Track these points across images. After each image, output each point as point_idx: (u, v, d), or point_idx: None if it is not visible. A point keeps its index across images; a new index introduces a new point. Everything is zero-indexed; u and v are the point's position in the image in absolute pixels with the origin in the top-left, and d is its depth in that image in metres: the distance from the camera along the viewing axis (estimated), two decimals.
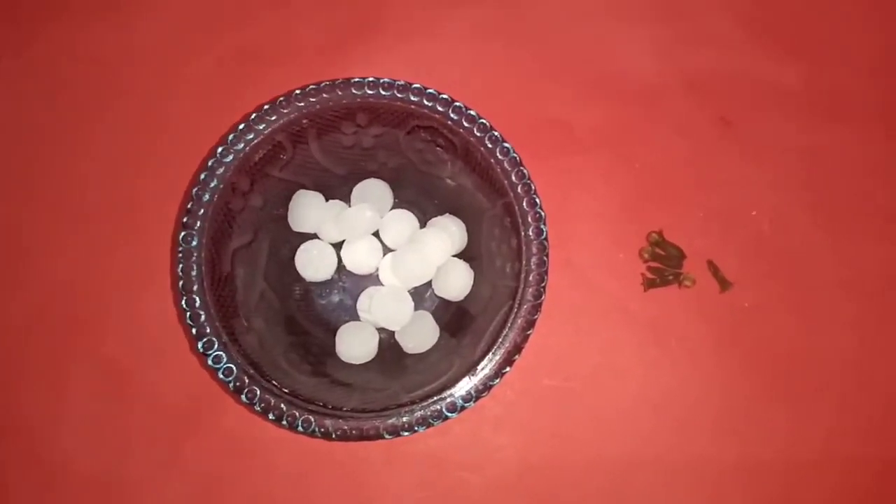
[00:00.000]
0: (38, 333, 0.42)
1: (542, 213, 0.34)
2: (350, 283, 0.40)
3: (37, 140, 0.44)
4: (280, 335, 0.37)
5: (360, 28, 0.46)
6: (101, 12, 0.46)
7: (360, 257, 0.39)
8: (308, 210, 0.38)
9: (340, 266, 0.39)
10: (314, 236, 0.39)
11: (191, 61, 0.45)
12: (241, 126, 0.34)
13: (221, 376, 0.32)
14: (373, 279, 0.40)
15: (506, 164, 0.34)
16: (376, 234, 0.39)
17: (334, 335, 0.38)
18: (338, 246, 0.39)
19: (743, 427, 0.41)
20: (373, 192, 0.39)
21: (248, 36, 0.46)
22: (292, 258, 0.39)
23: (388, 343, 0.39)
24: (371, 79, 0.35)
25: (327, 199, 0.39)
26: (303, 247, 0.39)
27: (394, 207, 0.40)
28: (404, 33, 0.46)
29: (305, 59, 0.45)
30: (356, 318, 0.39)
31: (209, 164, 0.34)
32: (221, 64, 0.45)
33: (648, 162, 0.44)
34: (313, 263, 0.38)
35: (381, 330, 0.39)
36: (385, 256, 0.39)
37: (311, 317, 0.39)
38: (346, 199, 0.39)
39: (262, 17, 0.46)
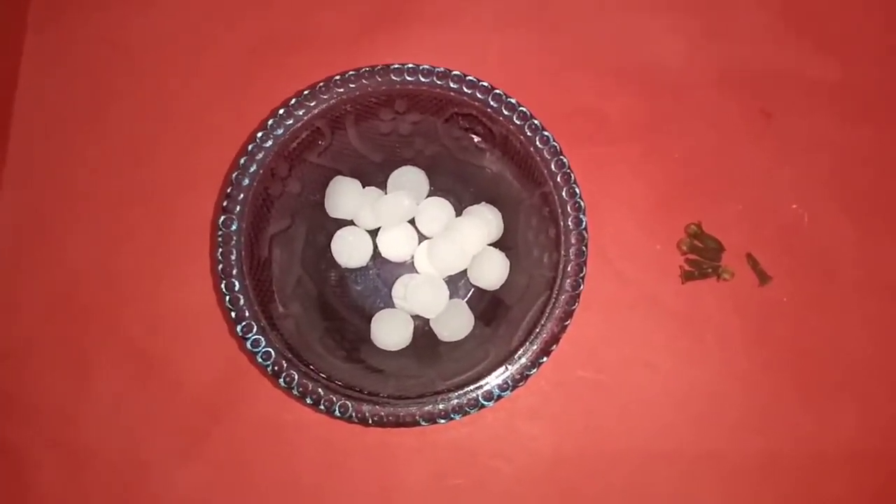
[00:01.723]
0: (65, 318, 0.42)
1: (582, 203, 0.34)
2: (385, 271, 0.40)
3: (60, 122, 0.44)
4: (316, 320, 0.37)
5: (387, 15, 0.46)
6: None
7: (395, 244, 0.39)
8: (345, 196, 0.38)
9: (376, 253, 0.39)
10: (350, 223, 0.39)
11: (216, 46, 0.45)
12: (280, 111, 0.34)
13: (260, 360, 0.32)
14: (408, 266, 0.40)
15: (545, 153, 0.34)
16: (412, 222, 0.39)
17: (369, 321, 0.38)
18: (373, 233, 0.39)
19: (772, 423, 0.41)
20: (409, 180, 0.39)
21: (273, 22, 0.45)
22: (328, 244, 0.39)
23: (423, 330, 0.39)
24: (410, 65, 0.34)
25: (364, 186, 0.39)
26: (339, 233, 0.39)
27: (430, 195, 0.40)
28: (432, 20, 0.46)
29: (332, 45, 0.45)
30: (391, 305, 0.39)
31: (249, 148, 0.34)
32: (247, 48, 0.45)
33: (684, 153, 0.44)
34: (349, 250, 0.38)
35: (415, 317, 0.39)
36: (421, 244, 0.39)
37: (346, 303, 0.39)
38: (383, 186, 0.39)
39: (287, 3, 0.46)
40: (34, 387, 0.41)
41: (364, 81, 0.34)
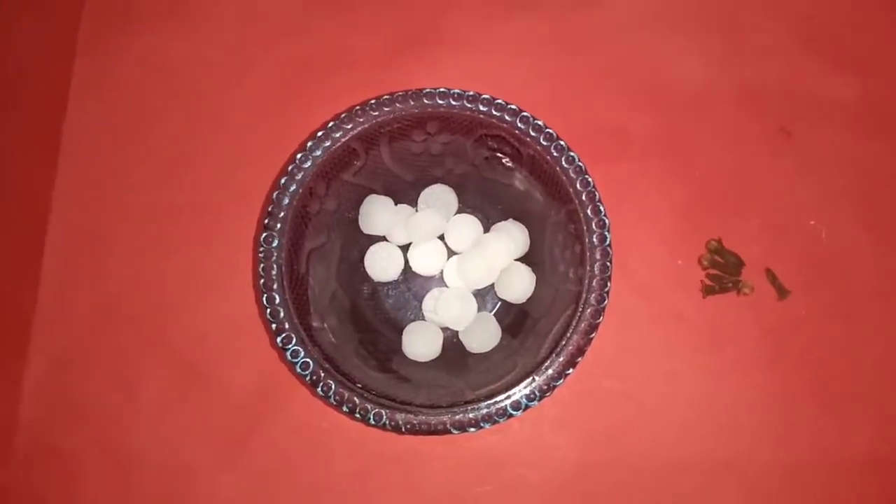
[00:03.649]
0: (113, 328, 0.44)
1: (607, 221, 0.35)
2: (416, 284, 0.42)
3: (107, 142, 0.46)
4: (350, 332, 0.38)
5: (417, 39, 0.47)
6: (169, 18, 0.48)
7: (426, 260, 0.40)
8: (378, 214, 0.39)
9: (407, 268, 0.41)
10: (383, 239, 0.41)
11: (256, 69, 0.47)
12: (319, 133, 0.36)
13: (299, 370, 0.34)
14: (438, 281, 0.41)
15: (571, 173, 0.36)
16: (442, 238, 0.41)
17: (400, 333, 0.39)
18: (405, 248, 0.41)
19: (792, 434, 0.42)
20: (439, 197, 0.41)
21: (308, 45, 0.47)
22: (362, 259, 0.40)
23: (451, 342, 0.40)
24: (442, 89, 0.36)
25: (396, 204, 0.40)
26: (372, 249, 0.40)
27: (459, 212, 0.41)
28: (460, 43, 0.47)
29: (364, 68, 0.47)
30: (421, 317, 0.41)
31: (289, 169, 0.36)
32: (285, 71, 0.47)
33: (705, 170, 0.45)
34: (381, 265, 0.40)
35: (444, 329, 0.40)
36: (450, 259, 0.41)
37: (379, 315, 0.41)
38: (414, 203, 0.41)
39: (321, 27, 0.48)
40: (84, 393, 0.43)
41: (398, 105, 0.36)
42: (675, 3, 0.48)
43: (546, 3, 0.48)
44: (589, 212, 0.35)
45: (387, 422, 0.33)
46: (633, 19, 0.48)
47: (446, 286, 0.41)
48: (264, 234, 0.35)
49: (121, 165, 0.46)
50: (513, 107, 0.36)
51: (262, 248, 0.35)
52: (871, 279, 0.44)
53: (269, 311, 0.35)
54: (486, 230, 0.41)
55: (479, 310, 0.40)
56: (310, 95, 0.46)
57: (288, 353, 0.34)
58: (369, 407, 0.34)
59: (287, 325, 0.34)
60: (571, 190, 0.35)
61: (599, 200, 0.35)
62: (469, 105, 0.36)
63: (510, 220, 0.40)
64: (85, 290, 0.44)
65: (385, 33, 0.47)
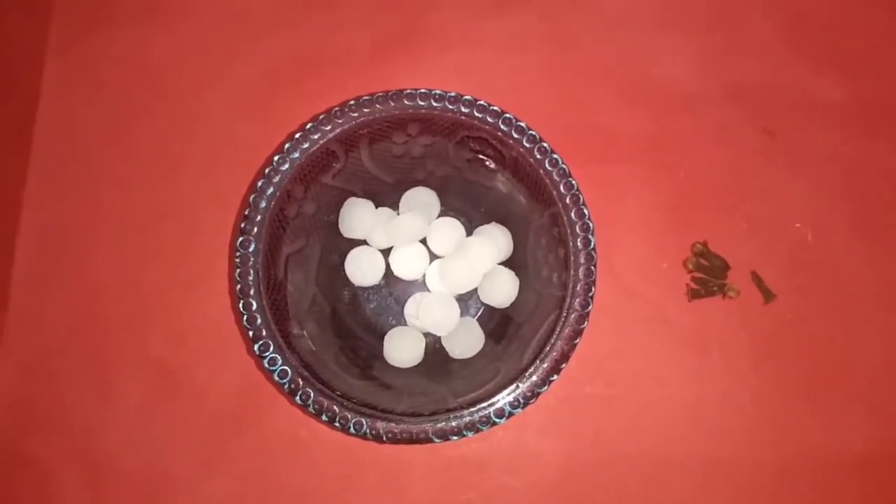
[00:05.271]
0: (87, 332, 0.43)
1: (591, 224, 0.34)
2: (398, 289, 0.41)
3: (81, 141, 0.45)
4: (330, 338, 0.38)
5: (403, 36, 0.47)
6: (145, 15, 0.47)
7: (407, 264, 0.39)
8: (358, 217, 0.39)
9: (388, 272, 0.40)
10: (363, 242, 0.40)
11: (236, 66, 0.46)
12: (296, 135, 0.35)
13: (277, 378, 0.33)
14: (420, 285, 0.41)
15: (554, 175, 0.35)
16: (424, 241, 0.40)
17: (382, 339, 0.39)
18: (386, 252, 0.40)
19: (782, 434, 0.42)
20: (421, 200, 0.40)
21: (291, 42, 0.46)
22: (342, 264, 0.39)
23: (433, 348, 0.40)
24: (423, 90, 0.35)
25: (377, 207, 0.39)
26: (352, 253, 0.39)
27: (441, 215, 0.40)
28: (447, 41, 0.47)
29: (348, 66, 0.46)
30: (403, 322, 0.40)
31: (266, 171, 0.35)
32: (266, 69, 0.46)
33: (692, 171, 0.45)
34: (362, 269, 0.39)
35: (427, 335, 0.39)
36: (432, 263, 0.40)
37: (359, 321, 0.40)
38: (395, 206, 0.40)
39: (304, 24, 0.47)
40: (58, 399, 0.42)
41: (378, 106, 0.35)
42: (664, 2, 0.47)
43: (535, 1, 0.47)
44: (573, 215, 0.35)
45: (367, 431, 0.33)
46: (622, 18, 0.47)
47: (428, 291, 0.40)
48: (240, 239, 0.34)
49: (97, 166, 0.45)
50: (495, 108, 0.35)
51: (238, 254, 0.34)
52: (859, 282, 0.43)
53: (245, 317, 0.34)
54: (469, 233, 0.40)
55: (462, 315, 0.39)
56: (294, 93, 0.45)
57: (265, 361, 0.33)
58: (349, 416, 0.33)
59: (264, 332, 0.34)
60: (555, 192, 0.35)
61: (584, 203, 0.35)
62: (450, 106, 0.35)
63: (493, 223, 0.40)
64: (59, 294, 0.43)
65: (373, 30, 0.47)
